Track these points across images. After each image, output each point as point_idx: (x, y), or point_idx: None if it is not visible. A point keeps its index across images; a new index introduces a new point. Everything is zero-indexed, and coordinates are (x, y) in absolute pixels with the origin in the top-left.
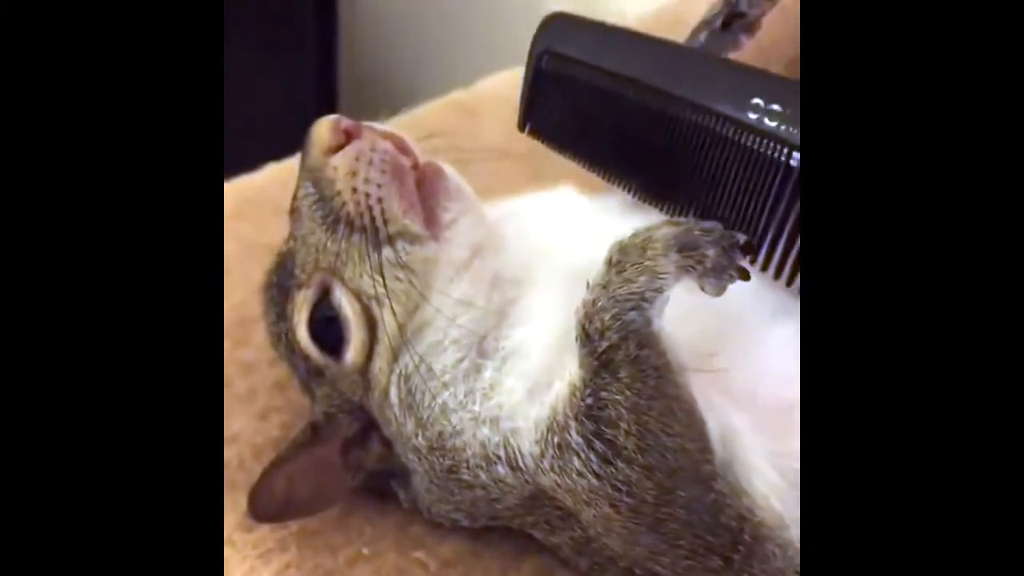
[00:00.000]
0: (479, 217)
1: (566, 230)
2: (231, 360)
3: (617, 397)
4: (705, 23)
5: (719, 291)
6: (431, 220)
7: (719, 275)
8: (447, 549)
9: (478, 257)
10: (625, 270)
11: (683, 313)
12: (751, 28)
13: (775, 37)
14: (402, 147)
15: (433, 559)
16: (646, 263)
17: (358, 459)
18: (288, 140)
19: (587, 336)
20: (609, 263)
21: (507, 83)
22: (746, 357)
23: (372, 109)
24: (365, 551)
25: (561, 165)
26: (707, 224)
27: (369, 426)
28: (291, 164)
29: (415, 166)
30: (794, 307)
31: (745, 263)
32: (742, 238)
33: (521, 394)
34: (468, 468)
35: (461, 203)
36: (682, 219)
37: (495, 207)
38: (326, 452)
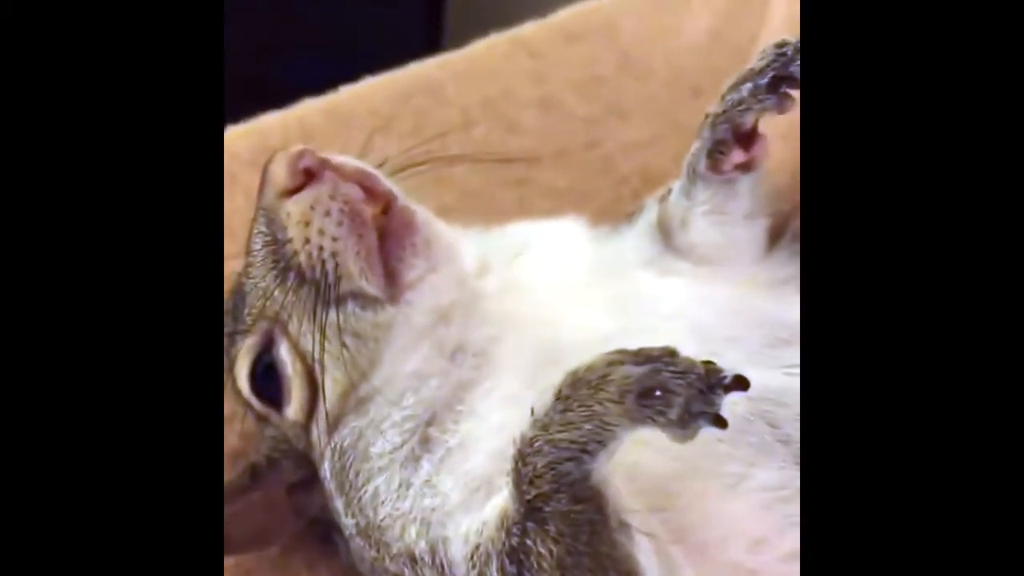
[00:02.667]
0: (448, 276)
1: (552, 288)
2: None
3: (541, 550)
4: (752, 73)
5: (685, 440)
6: (392, 279)
7: (686, 425)
8: None
9: (442, 323)
10: (571, 410)
11: (650, 439)
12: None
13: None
14: (371, 189)
15: None
16: (595, 408)
17: (302, 504)
18: (391, 50)
19: (519, 476)
20: (557, 396)
21: (577, 21)
22: (710, 507)
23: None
24: None
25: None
26: (682, 362)
27: (314, 475)
28: (353, 91)
29: (385, 209)
30: (777, 451)
31: (725, 407)
32: (730, 375)
33: (456, 500)
34: (393, 562)
35: (429, 261)
36: (656, 349)
37: (485, 239)
38: (271, 492)
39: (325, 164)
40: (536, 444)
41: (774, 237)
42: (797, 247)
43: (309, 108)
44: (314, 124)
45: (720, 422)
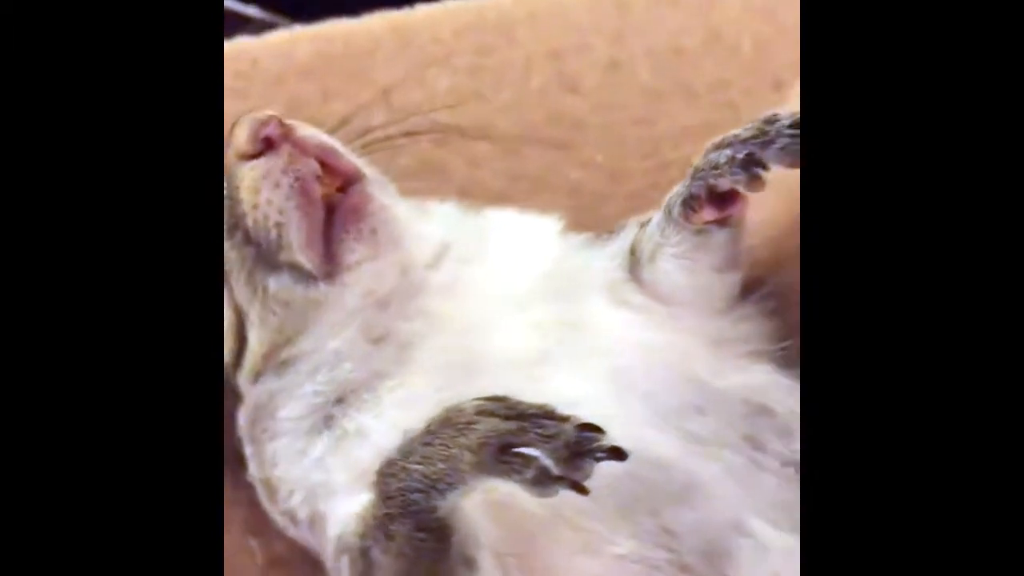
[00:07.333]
0: (389, 266)
1: (496, 295)
2: None
3: (384, 561)
4: (735, 140)
5: (543, 498)
6: (332, 258)
7: (543, 486)
8: (282, 545)
9: (374, 309)
10: (432, 445)
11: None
12: None
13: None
14: (331, 166)
15: (264, 552)
16: (453, 451)
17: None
18: None
19: (376, 490)
20: (427, 428)
21: None
22: (562, 561)
23: None
24: None
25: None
26: (552, 426)
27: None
28: (426, 13)
29: (341, 188)
30: (644, 522)
31: (590, 472)
32: (606, 445)
33: (340, 482)
34: (280, 516)
35: (372, 248)
36: (533, 406)
37: (460, 222)
38: None
39: (287, 136)
40: (394, 467)
41: (747, 291)
42: (764, 306)
43: (377, 21)
44: (378, 39)
45: (581, 489)
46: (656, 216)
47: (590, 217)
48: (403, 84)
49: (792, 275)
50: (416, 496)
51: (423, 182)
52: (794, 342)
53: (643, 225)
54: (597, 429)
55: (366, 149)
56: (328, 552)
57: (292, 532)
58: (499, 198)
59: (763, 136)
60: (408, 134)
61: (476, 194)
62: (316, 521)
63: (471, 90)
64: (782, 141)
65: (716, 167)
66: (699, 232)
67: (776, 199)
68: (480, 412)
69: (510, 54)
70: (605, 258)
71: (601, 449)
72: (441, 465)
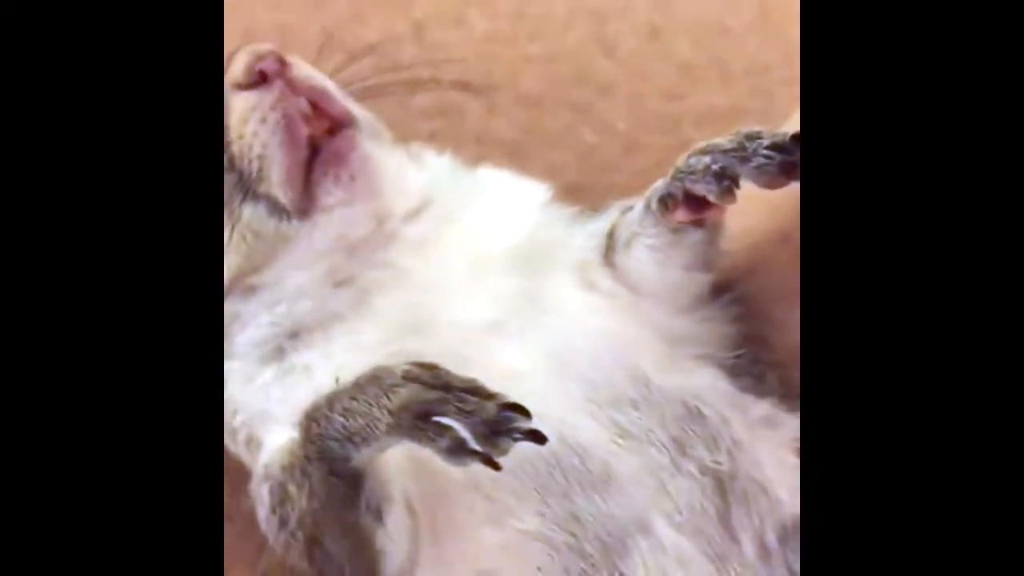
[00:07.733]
0: (364, 213)
1: (465, 257)
2: None
3: (296, 497)
4: (715, 149)
5: (457, 465)
6: (309, 197)
7: (456, 456)
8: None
9: (342, 253)
10: (356, 399)
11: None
12: None
13: None
14: (321, 108)
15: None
16: (373, 410)
17: None
18: None
19: (300, 429)
20: (356, 381)
21: None
22: (467, 524)
23: None
24: None
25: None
26: (472, 402)
27: None
28: None
29: (330, 130)
30: (554, 504)
31: (506, 450)
32: (524, 427)
33: (279, 414)
34: (226, 433)
35: (348, 194)
36: (459, 379)
37: (452, 177)
38: None
39: (281, 73)
40: (318, 412)
41: (716, 294)
42: (728, 311)
43: None
44: None
45: (493, 465)
46: (637, 205)
47: (599, 184)
48: (440, 21)
49: (762, 284)
50: (332, 444)
51: (438, 123)
52: (748, 351)
53: (625, 211)
54: (521, 410)
55: (386, 88)
56: (255, 476)
57: (232, 449)
58: (511, 150)
59: (742, 151)
60: (433, 79)
61: (489, 143)
62: (252, 444)
63: (507, 36)
64: (758, 160)
65: (693, 172)
66: (675, 229)
67: (761, 207)
68: (407, 377)
69: (553, 6)
70: (583, 236)
71: (519, 431)
72: (360, 421)
